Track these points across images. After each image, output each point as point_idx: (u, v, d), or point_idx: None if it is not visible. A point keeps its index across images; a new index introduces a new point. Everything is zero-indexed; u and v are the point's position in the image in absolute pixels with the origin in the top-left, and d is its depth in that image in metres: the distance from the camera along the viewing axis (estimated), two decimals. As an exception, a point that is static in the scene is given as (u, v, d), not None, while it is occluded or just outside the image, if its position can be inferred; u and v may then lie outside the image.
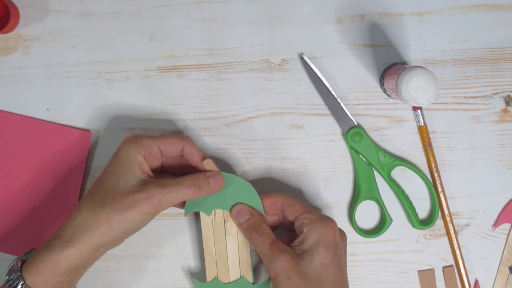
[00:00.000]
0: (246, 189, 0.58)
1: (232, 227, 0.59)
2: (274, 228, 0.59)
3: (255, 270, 0.63)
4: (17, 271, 0.52)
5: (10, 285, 0.52)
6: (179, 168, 0.59)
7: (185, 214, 0.59)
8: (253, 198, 0.58)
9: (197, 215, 0.63)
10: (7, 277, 0.53)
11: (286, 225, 0.59)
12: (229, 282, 0.59)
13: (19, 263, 0.53)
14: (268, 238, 0.55)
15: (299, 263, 0.53)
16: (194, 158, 0.57)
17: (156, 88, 0.64)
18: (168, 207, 0.54)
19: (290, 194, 0.59)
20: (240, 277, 0.59)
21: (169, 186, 0.54)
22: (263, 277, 0.63)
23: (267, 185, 0.64)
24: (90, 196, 0.54)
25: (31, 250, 0.56)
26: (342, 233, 0.57)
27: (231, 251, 0.59)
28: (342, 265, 0.55)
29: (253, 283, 0.59)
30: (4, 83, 0.64)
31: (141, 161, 0.55)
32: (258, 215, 0.57)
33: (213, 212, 0.59)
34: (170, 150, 0.57)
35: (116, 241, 0.54)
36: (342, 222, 0.64)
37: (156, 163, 0.57)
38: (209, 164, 0.57)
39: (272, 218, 0.59)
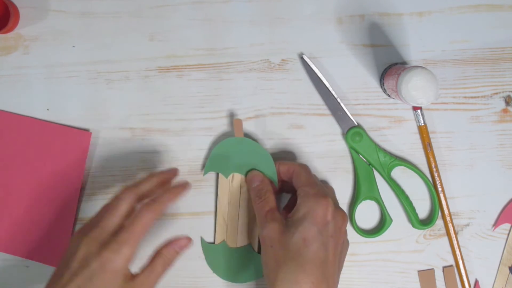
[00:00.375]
0: (266, 159, 0.60)
1: (247, 193, 0.60)
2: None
3: None
4: None
5: None
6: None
7: (205, 173, 0.61)
8: (270, 169, 0.60)
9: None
10: None
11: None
12: (236, 247, 0.60)
13: None
14: (267, 205, 0.57)
15: (284, 233, 0.53)
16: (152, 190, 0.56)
17: (156, 88, 0.64)
18: None
19: (306, 165, 0.60)
20: (247, 244, 0.60)
21: (144, 281, 0.52)
22: None
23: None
24: None
25: None
26: (339, 214, 0.55)
27: (242, 217, 0.60)
28: (328, 245, 0.53)
29: (258, 253, 0.60)
30: (4, 83, 0.64)
31: (126, 273, 0.52)
32: (268, 182, 0.59)
33: (231, 176, 0.60)
34: (144, 232, 0.53)
35: None
36: (342, 222, 0.64)
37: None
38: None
39: (286, 184, 0.60)
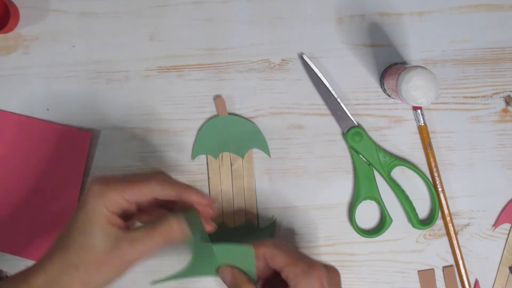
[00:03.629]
0: (251, 129, 0.60)
1: (238, 170, 0.60)
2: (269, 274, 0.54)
3: (261, 215, 0.63)
4: None
5: None
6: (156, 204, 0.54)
7: (193, 158, 0.61)
8: (259, 139, 0.60)
9: None
10: None
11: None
12: (235, 227, 0.60)
13: None
14: None
15: None
16: (169, 196, 0.52)
17: (156, 88, 0.64)
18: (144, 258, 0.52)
19: (274, 240, 0.53)
20: (246, 221, 0.60)
21: (140, 240, 0.50)
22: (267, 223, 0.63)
23: (266, 185, 0.63)
24: (61, 251, 0.50)
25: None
26: (333, 276, 0.51)
27: (237, 195, 0.60)
28: None
29: (258, 227, 0.60)
30: (4, 83, 0.64)
31: (108, 216, 0.50)
32: (238, 273, 0.52)
33: (220, 155, 0.60)
34: (140, 199, 0.51)
35: None
36: (342, 222, 0.64)
37: (129, 208, 0.52)
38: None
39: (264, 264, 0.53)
